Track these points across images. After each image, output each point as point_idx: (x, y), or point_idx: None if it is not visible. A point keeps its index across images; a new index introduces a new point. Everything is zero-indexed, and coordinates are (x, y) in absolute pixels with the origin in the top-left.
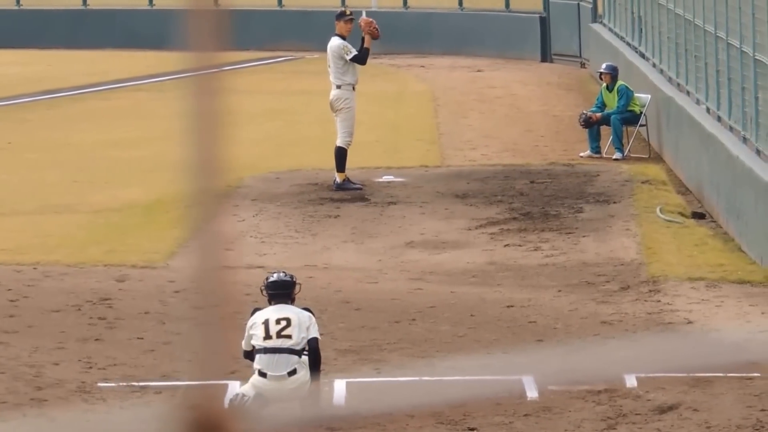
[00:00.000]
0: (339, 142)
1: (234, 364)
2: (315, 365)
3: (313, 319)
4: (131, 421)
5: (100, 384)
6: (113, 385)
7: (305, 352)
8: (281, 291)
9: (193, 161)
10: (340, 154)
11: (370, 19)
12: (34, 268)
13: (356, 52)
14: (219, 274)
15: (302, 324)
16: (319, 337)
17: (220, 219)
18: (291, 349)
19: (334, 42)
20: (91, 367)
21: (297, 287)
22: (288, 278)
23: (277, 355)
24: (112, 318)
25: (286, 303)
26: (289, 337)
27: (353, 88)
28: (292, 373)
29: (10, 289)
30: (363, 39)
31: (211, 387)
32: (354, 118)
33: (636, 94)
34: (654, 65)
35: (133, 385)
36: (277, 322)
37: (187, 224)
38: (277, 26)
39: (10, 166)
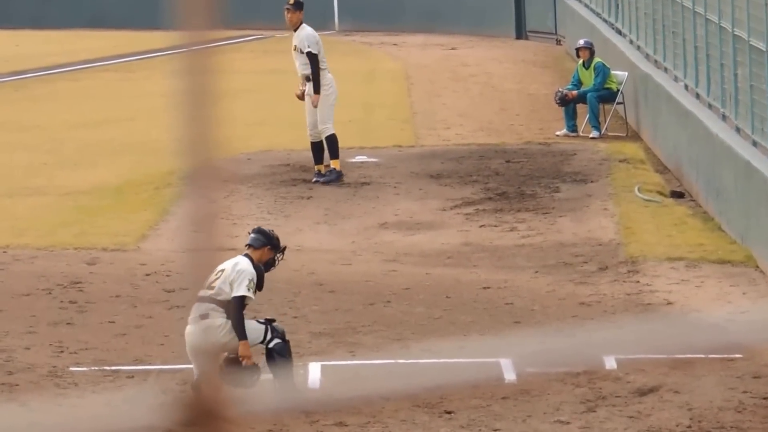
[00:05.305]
0: (332, 131)
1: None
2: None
3: (245, 273)
4: (103, 405)
5: (71, 368)
6: (85, 369)
7: (224, 303)
8: (255, 235)
9: (185, 139)
10: (336, 140)
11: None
12: (4, 252)
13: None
14: (210, 255)
15: (227, 278)
16: (243, 294)
17: (213, 198)
18: (210, 298)
19: (311, 30)
20: (62, 352)
21: (272, 249)
22: (268, 231)
23: (197, 303)
24: (83, 302)
25: (247, 253)
26: (212, 288)
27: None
28: (205, 317)
29: None
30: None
31: (209, 373)
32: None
33: (613, 72)
34: (631, 42)
35: (105, 370)
36: (216, 273)
37: (181, 203)
38: (246, 4)
39: None
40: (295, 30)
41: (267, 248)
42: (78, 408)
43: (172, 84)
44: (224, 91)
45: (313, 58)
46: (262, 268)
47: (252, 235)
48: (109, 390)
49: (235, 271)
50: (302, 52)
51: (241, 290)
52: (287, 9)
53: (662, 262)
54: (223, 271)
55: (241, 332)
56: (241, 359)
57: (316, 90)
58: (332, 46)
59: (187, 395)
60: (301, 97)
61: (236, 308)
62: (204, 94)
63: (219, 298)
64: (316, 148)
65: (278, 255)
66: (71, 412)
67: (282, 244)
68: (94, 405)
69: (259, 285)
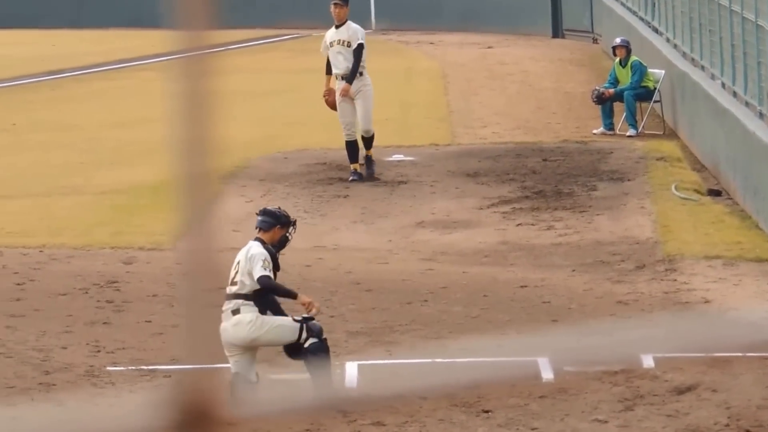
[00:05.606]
0: (372, 131)
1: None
2: (271, 298)
3: (256, 256)
4: (140, 404)
5: (108, 368)
6: (122, 369)
7: (251, 295)
8: (263, 218)
9: (183, 143)
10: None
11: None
12: (41, 251)
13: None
14: (211, 257)
15: (244, 269)
16: (264, 274)
17: (210, 202)
18: (236, 294)
19: (358, 25)
20: (99, 351)
21: (283, 227)
22: (275, 210)
23: (227, 300)
24: (119, 301)
25: (258, 237)
26: (235, 284)
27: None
28: (236, 312)
29: (16, 273)
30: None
31: (200, 373)
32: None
33: (650, 70)
34: (668, 40)
35: (142, 369)
36: (234, 266)
37: (177, 208)
38: (283, 3)
39: (15, 148)
40: (339, 26)
41: (277, 228)
42: (115, 407)
43: (169, 88)
44: (260, 91)
45: (361, 51)
46: (273, 249)
47: (260, 218)
48: (146, 389)
49: (248, 259)
50: (349, 46)
51: (258, 272)
52: (336, 4)
53: (699, 261)
54: (239, 262)
55: (288, 293)
56: (306, 308)
57: (351, 80)
58: (369, 45)
59: (185, 396)
60: (333, 105)
61: (267, 285)
62: (200, 99)
63: (244, 291)
64: (352, 147)
65: (290, 230)
66: (108, 412)
67: (292, 218)
68: (131, 404)
69: (274, 265)
